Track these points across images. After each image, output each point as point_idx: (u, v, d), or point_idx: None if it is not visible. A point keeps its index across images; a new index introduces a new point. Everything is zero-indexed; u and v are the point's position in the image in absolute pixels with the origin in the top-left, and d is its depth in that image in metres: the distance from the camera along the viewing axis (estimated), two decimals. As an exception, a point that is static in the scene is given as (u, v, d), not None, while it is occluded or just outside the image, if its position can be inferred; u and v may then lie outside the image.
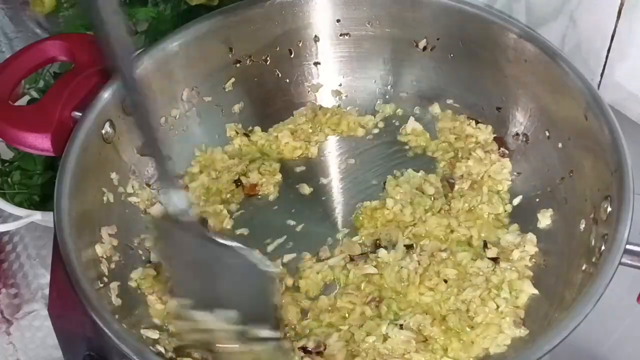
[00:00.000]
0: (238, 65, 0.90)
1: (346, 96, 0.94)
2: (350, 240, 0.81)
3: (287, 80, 0.94)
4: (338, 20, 0.91)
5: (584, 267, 0.69)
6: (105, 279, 0.73)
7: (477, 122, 0.89)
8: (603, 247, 0.66)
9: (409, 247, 0.79)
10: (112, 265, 0.75)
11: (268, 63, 0.92)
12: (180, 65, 0.86)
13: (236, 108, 0.92)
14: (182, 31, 0.86)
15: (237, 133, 0.91)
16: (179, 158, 0.87)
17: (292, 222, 0.84)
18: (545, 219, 0.80)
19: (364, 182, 0.87)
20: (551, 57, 0.80)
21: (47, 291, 0.87)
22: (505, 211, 0.82)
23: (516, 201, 0.83)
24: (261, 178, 0.87)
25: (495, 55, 0.86)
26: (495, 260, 0.77)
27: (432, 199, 0.83)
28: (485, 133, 0.88)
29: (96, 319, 0.65)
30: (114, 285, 0.74)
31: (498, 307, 0.73)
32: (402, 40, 0.91)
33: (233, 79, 0.91)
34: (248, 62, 0.91)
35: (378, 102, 0.93)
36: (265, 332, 0.69)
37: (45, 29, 1.18)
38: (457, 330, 0.72)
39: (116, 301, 0.73)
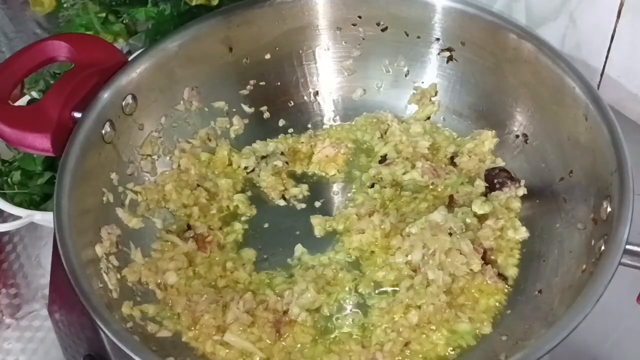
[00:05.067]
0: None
1: (346, 96, 0.95)
2: None
3: (287, 81, 0.94)
4: (338, 21, 0.91)
5: (584, 267, 0.69)
6: (105, 279, 0.73)
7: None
8: (603, 247, 0.66)
9: None
10: (112, 265, 0.75)
11: (268, 63, 0.92)
12: (180, 65, 0.87)
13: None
14: (182, 31, 0.87)
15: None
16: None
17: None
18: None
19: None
20: (551, 57, 0.80)
21: (47, 291, 0.87)
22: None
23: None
24: None
25: (495, 55, 0.86)
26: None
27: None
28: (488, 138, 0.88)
29: (96, 319, 0.65)
30: (114, 285, 0.74)
31: None
32: (402, 41, 0.91)
33: (233, 79, 0.91)
34: (248, 62, 0.91)
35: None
36: None
37: (45, 29, 1.18)
38: None
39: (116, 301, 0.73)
